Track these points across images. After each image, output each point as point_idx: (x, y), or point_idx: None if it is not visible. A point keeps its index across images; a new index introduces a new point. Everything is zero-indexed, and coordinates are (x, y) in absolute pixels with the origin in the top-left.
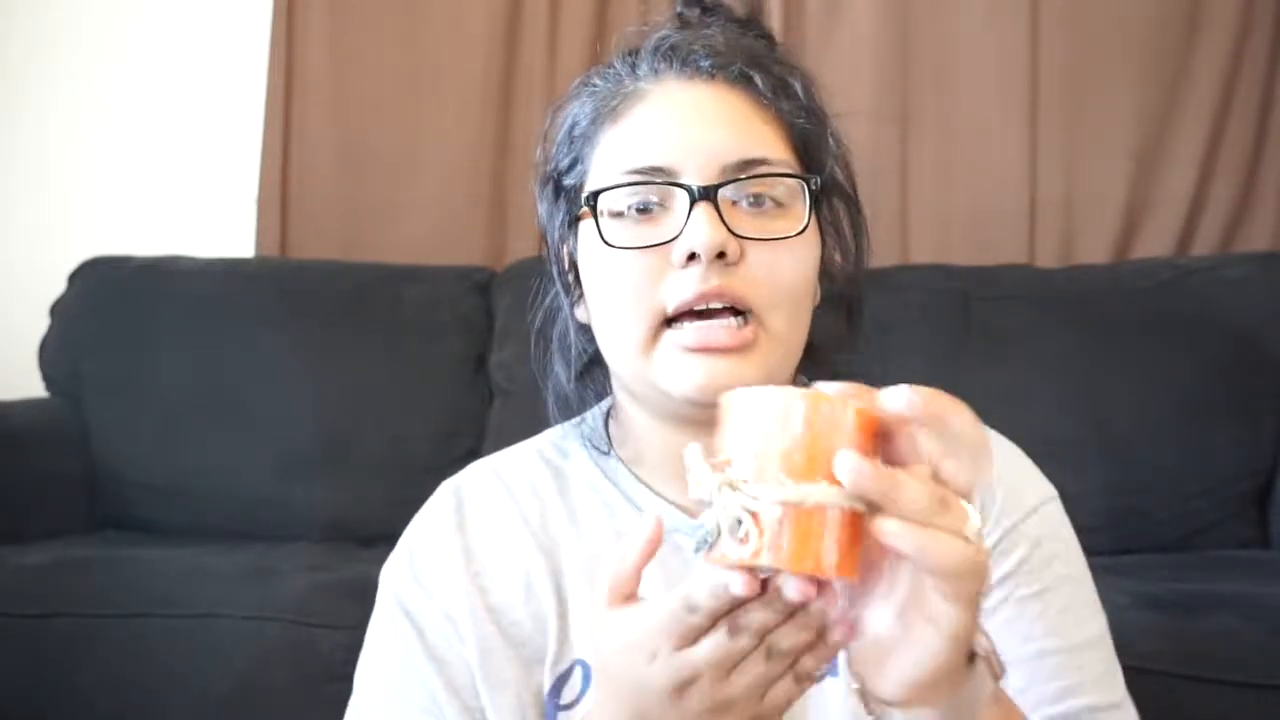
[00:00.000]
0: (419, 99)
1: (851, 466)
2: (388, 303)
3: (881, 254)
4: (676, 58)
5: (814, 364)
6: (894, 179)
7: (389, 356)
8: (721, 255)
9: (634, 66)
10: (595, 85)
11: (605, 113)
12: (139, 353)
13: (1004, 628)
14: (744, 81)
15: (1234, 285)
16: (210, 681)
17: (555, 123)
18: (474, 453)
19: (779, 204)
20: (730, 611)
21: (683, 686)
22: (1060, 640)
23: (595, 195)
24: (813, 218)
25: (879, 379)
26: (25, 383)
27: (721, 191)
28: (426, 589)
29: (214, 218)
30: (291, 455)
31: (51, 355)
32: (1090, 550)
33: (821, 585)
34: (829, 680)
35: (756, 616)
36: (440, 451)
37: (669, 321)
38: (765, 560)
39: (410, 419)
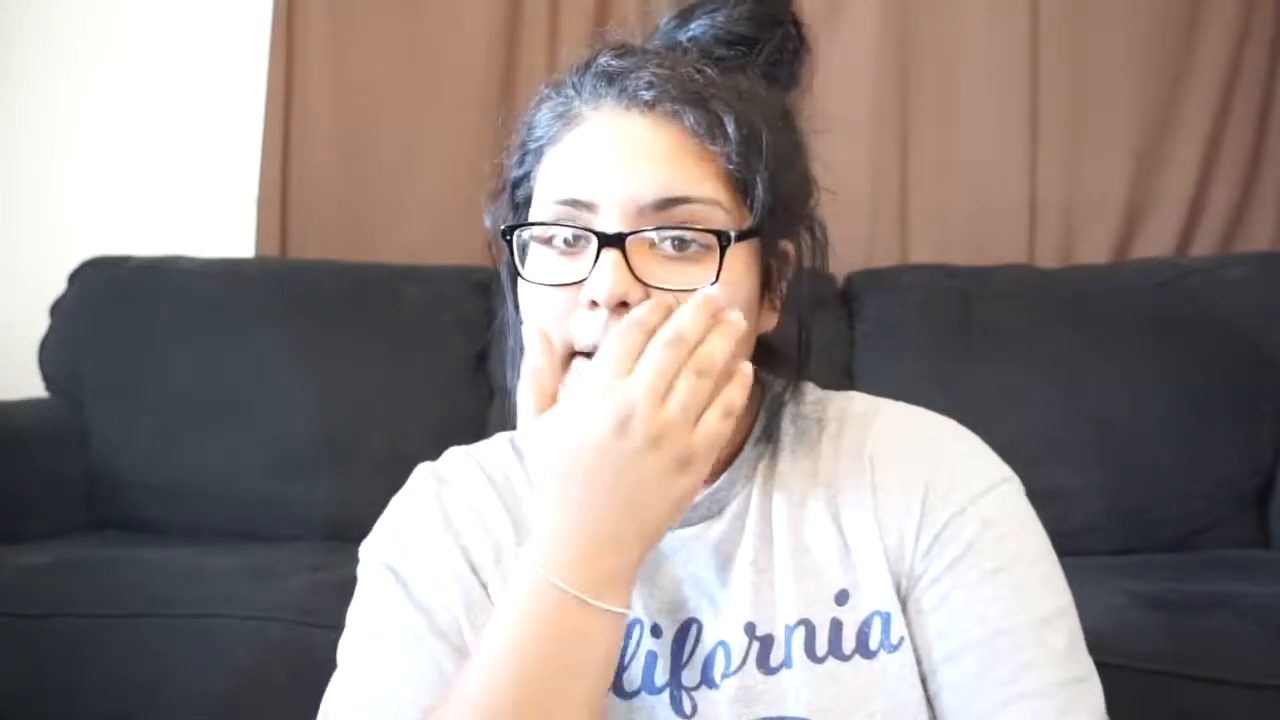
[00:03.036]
0: (419, 99)
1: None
2: (388, 303)
3: (881, 254)
4: (616, 85)
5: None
6: (894, 179)
7: (389, 356)
8: (624, 305)
9: (578, 87)
10: (551, 96)
11: (551, 133)
12: (139, 353)
13: (957, 614)
14: (678, 116)
15: (1234, 285)
16: (210, 681)
17: (520, 123)
18: None
19: (705, 248)
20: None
21: (623, 422)
22: (1018, 618)
23: (510, 230)
24: (725, 266)
25: (880, 379)
26: (25, 383)
27: (641, 234)
28: (408, 551)
29: (214, 218)
30: (291, 455)
31: (51, 355)
32: (1090, 550)
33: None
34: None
35: (687, 325)
36: (440, 451)
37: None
38: None
39: (410, 419)
